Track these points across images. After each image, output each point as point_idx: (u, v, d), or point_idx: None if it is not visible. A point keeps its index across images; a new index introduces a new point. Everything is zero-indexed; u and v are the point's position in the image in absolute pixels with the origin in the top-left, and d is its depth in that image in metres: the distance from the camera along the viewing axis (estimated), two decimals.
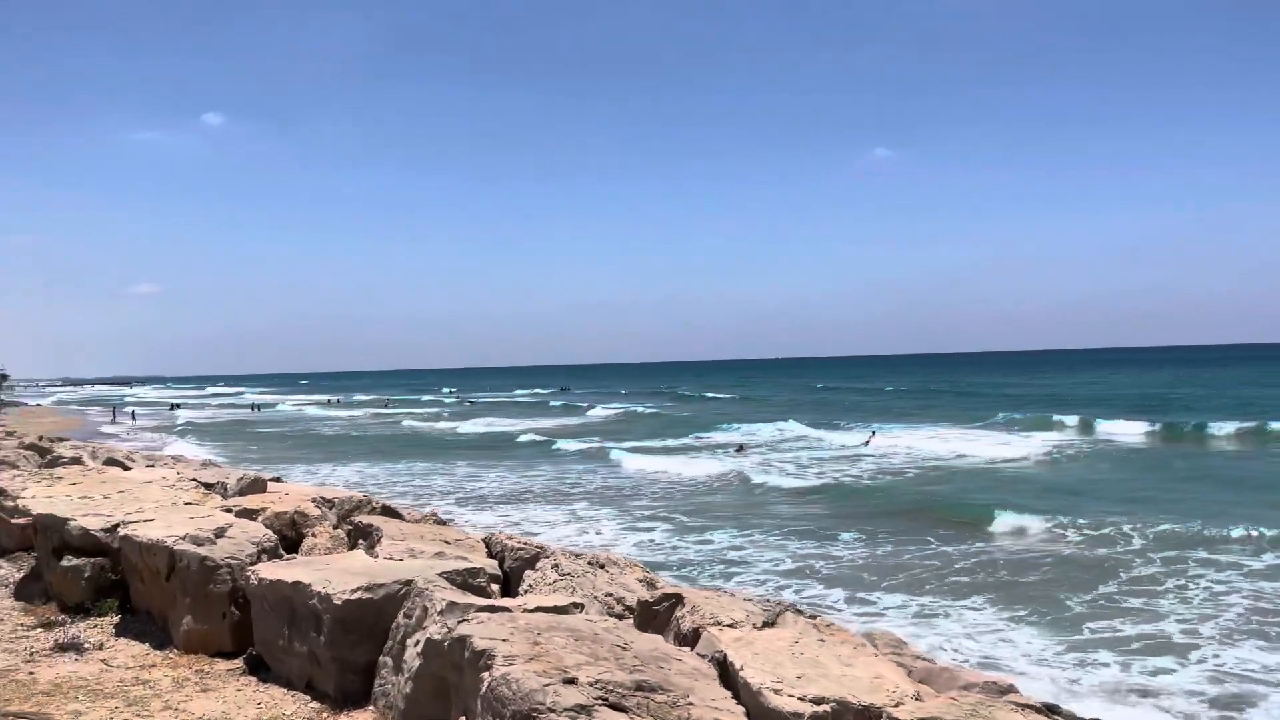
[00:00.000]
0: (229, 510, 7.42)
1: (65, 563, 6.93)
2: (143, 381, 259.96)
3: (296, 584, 5.45)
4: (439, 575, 5.43)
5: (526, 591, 6.06)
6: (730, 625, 4.75)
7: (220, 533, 6.55)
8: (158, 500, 7.64)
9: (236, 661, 5.97)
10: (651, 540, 20.24)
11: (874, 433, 43.35)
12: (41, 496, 7.58)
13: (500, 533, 7.16)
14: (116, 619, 6.75)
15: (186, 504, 7.64)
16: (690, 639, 4.80)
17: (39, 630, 6.54)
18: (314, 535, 7.21)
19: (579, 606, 4.86)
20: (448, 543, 6.94)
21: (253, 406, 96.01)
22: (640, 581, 6.01)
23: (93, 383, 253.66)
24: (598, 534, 21.00)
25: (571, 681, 3.78)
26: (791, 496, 25.81)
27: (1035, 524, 19.68)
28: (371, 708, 5.06)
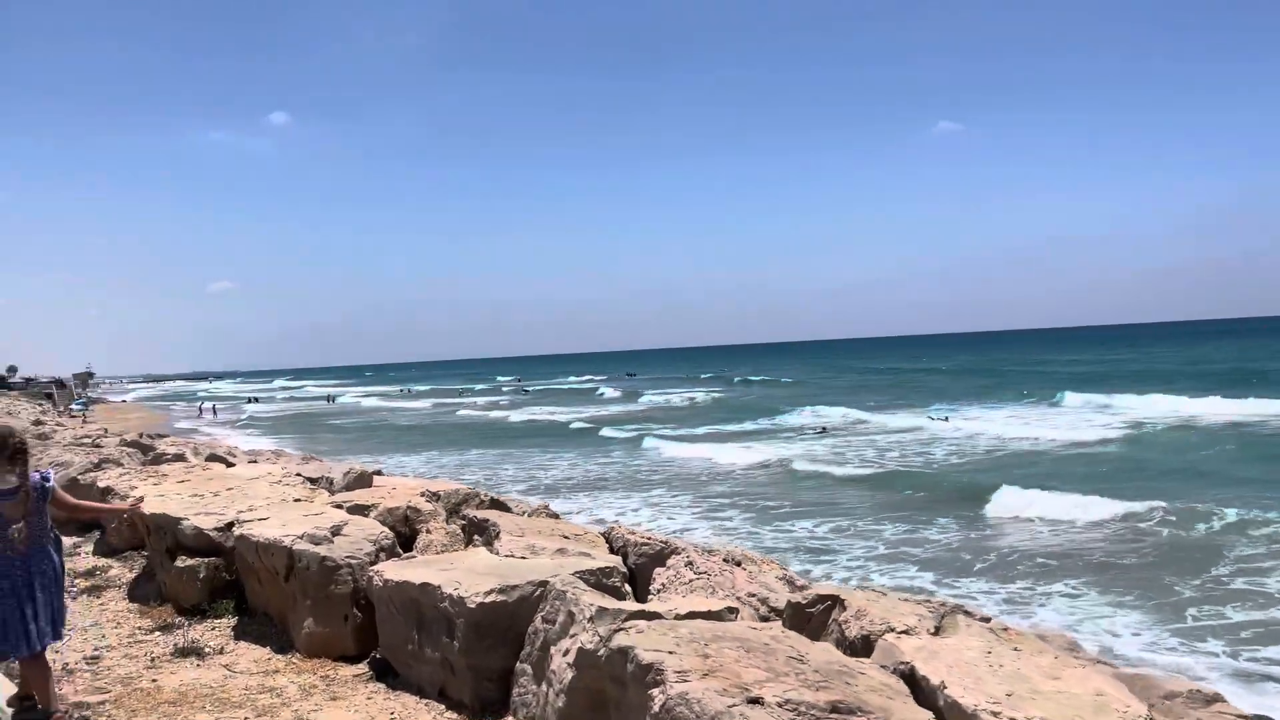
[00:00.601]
0: (339, 507, 7.20)
1: (180, 563, 6.78)
2: (219, 376, 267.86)
3: (425, 586, 5.17)
4: (573, 575, 5.09)
5: (660, 591, 5.70)
6: (905, 632, 4.31)
7: (336, 531, 6.31)
8: (267, 497, 7.46)
9: (361, 666, 5.72)
10: (729, 526, 19.88)
11: (947, 417, 42.38)
12: (152, 495, 7.45)
13: (619, 526, 6.81)
14: (234, 621, 6.57)
15: (296, 501, 7.45)
16: (860, 647, 4.38)
17: (157, 634, 6.40)
18: (428, 531, 6.95)
19: (734, 611, 4.47)
20: (566, 538, 6.61)
21: (328, 398, 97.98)
22: (780, 580, 5.60)
23: (172, 379, 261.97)
24: (669, 519, 20.68)
25: (756, 701, 3.39)
26: (874, 481, 25.16)
27: (1121, 507, 18.72)
28: (511, 718, 4.75)
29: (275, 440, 43.64)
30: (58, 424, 23.51)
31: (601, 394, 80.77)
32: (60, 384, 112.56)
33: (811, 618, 4.92)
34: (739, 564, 5.72)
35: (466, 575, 5.29)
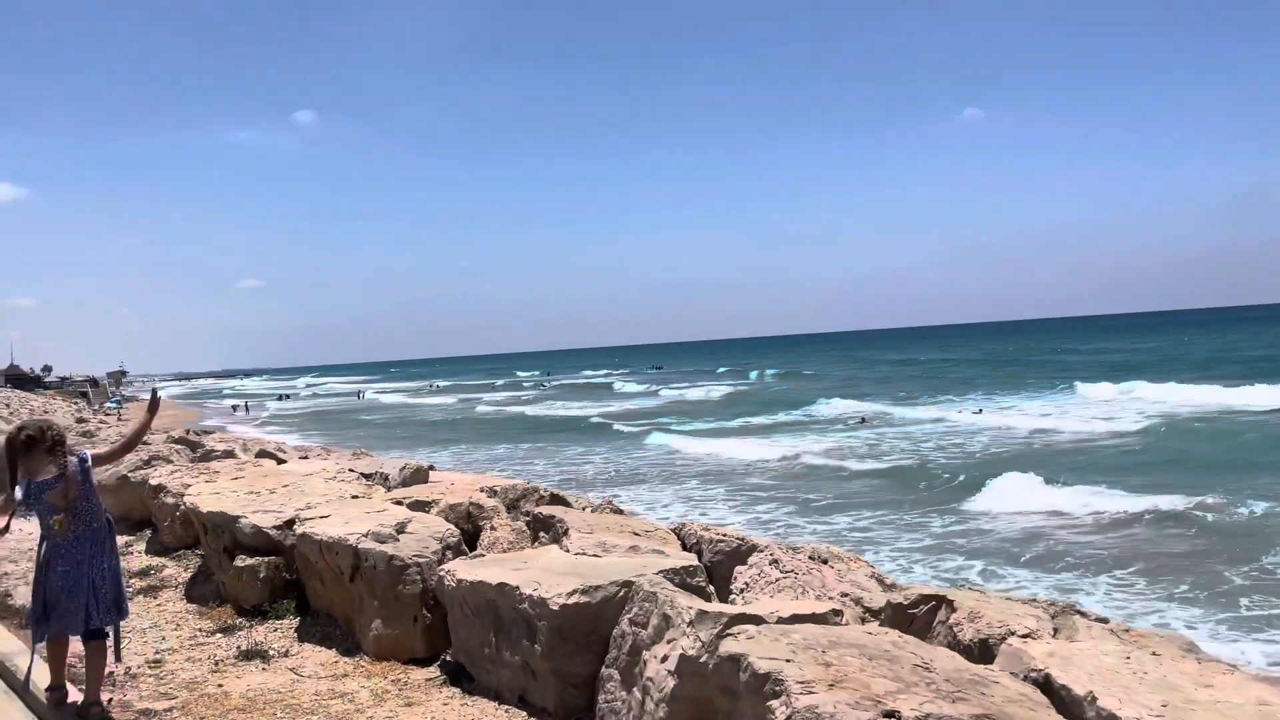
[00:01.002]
0: (399, 504, 6.99)
1: (239, 562, 6.60)
2: (248, 374, 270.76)
3: (502, 586, 4.93)
4: (657, 574, 4.84)
5: (743, 591, 5.44)
6: (1027, 636, 4.02)
7: (401, 529, 6.09)
8: (324, 494, 7.27)
9: (432, 669, 5.51)
10: (767, 519, 19.62)
11: (980, 409, 41.90)
12: (207, 493, 7.28)
13: (691, 522, 6.55)
14: (295, 622, 6.38)
15: (354, 498, 7.25)
16: (978, 653, 4.09)
17: (219, 636, 6.22)
18: (492, 528, 6.72)
19: (838, 614, 4.19)
20: (637, 534, 6.35)
21: (357, 394, 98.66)
22: (870, 578, 5.32)
23: (203, 376, 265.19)
24: (701, 514, 20.41)
25: (892, 715, 3.12)
26: (911, 473, 24.75)
27: (1163, 499, 18.20)
28: None
29: (301, 436, 43.84)
30: (101, 421, 23.57)
31: (624, 389, 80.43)
32: (94, 383, 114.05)
33: (914, 619, 4.64)
34: (825, 561, 5.44)
35: (543, 575, 5.05)
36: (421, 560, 5.76)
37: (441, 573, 5.46)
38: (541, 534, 6.59)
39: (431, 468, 9.48)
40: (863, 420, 39.22)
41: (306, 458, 10.04)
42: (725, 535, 6.19)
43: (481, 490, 7.70)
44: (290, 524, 6.73)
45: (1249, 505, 17.44)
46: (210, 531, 6.91)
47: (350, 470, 8.39)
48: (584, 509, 7.65)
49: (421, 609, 5.67)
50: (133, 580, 7.52)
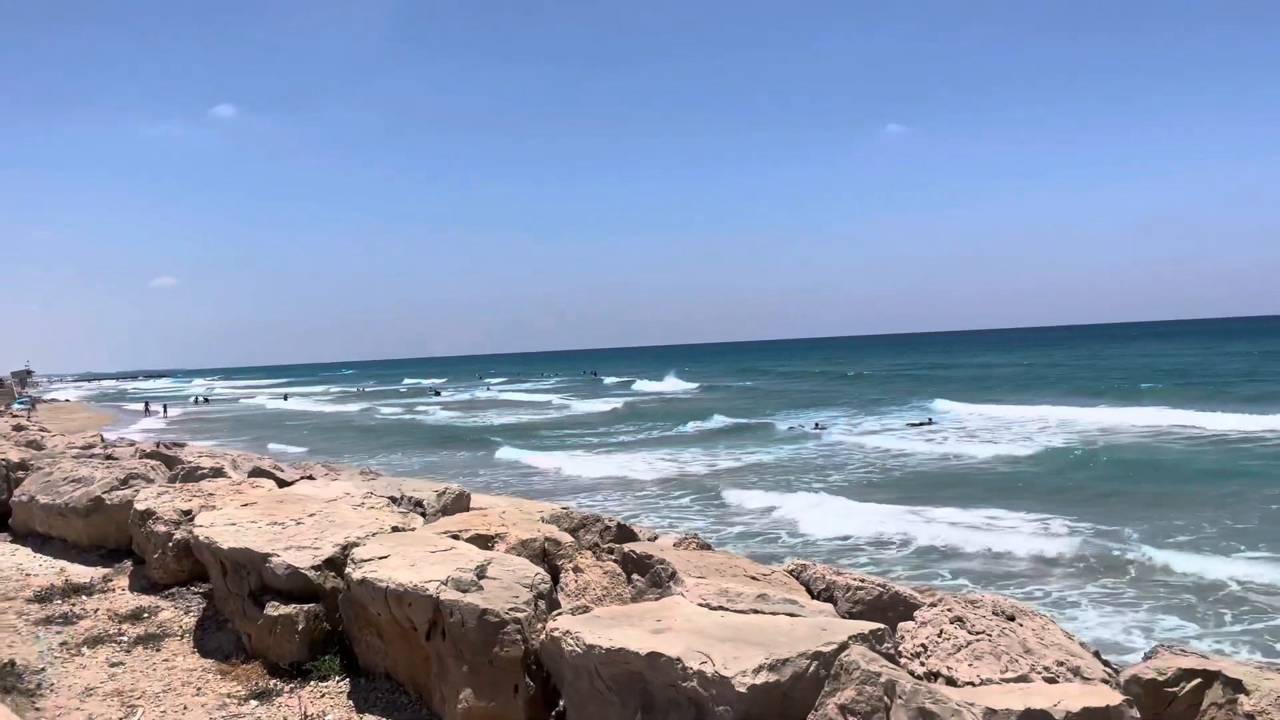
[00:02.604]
0: (455, 537, 5.93)
1: (272, 610, 5.47)
2: (160, 375, 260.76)
3: (655, 658, 3.97)
4: (855, 642, 3.94)
5: (919, 656, 4.56)
6: None
7: (481, 572, 5.06)
8: (360, 525, 6.17)
9: None
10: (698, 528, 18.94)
11: (930, 419, 42.56)
12: (221, 524, 6.11)
13: (813, 563, 5.65)
14: (345, 684, 5.30)
15: (395, 529, 6.17)
16: None
17: (254, 704, 5.09)
18: (577, 569, 5.73)
19: (1130, 705, 3.35)
20: (754, 578, 5.45)
21: (285, 396, 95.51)
22: (1073, 640, 4.51)
23: (113, 376, 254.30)
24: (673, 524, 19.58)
25: None
26: (982, 474, 24.81)
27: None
28: None
29: (223, 442, 41.78)
30: (43, 429, 21.42)
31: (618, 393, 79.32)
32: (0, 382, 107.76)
33: (1171, 700, 3.83)
34: (1012, 618, 4.61)
35: (698, 640, 4.10)
36: (519, 615, 4.75)
37: (553, 633, 4.46)
38: (635, 576, 5.62)
39: (447, 490, 8.41)
40: (929, 421, 40.29)
41: (311, 477, 8.78)
42: (865, 580, 5.32)
43: (543, 519, 6.70)
44: (332, 564, 5.64)
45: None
46: (231, 572, 5.76)
47: (371, 494, 7.28)
48: (680, 545, 6.68)
49: (523, 676, 4.65)
50: (123, 626, 6.30)
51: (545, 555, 5.90)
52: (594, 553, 5.96)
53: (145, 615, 6.51)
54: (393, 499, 7.30)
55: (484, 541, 5.98)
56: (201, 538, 5.96)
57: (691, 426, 44.09)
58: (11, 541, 8.81)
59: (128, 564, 7.69)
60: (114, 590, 7.16)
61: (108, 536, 8.00)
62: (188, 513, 7.18)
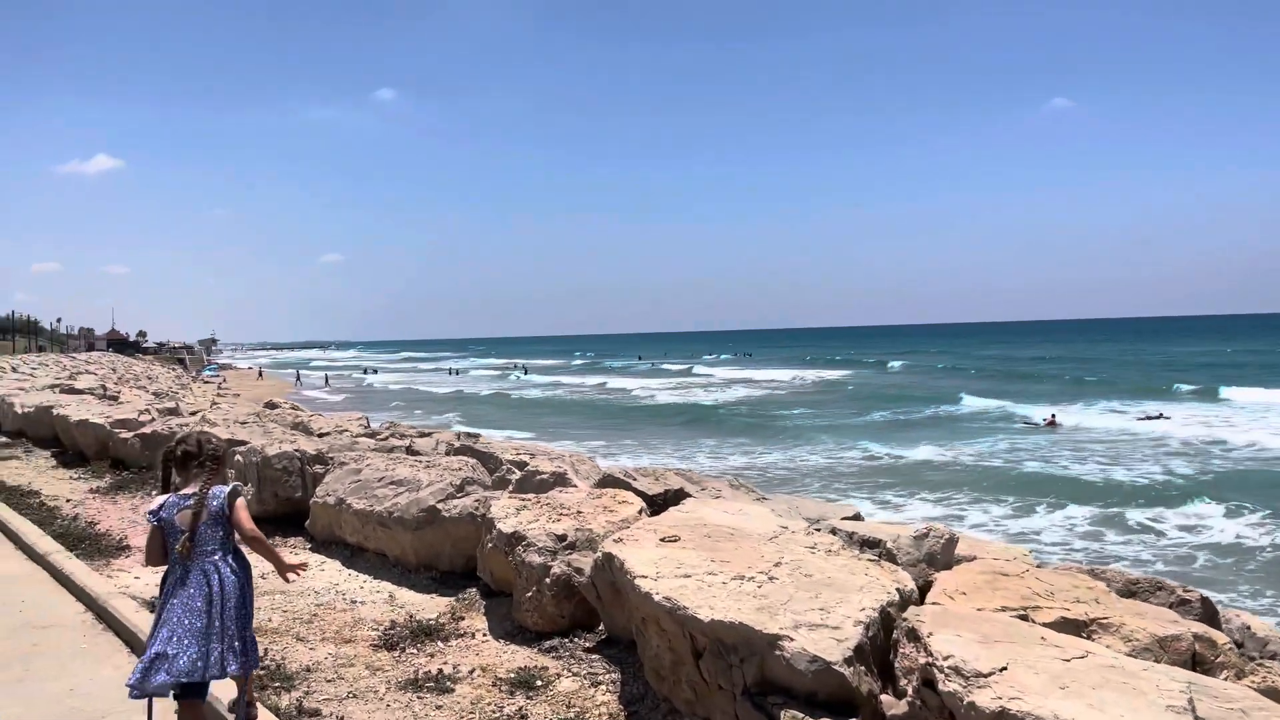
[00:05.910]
0: (1024, 618, 3.94)
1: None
2: (325, 346, 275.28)
3: None
4: None
5: None
6: None
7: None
8: (859, 585, 4.26)
9: None
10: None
11: (1160, 414, 38.59)
12: (670, 576, 4.31)
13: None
14: None
15: (861, 588, 4.23)
16: None
17: None
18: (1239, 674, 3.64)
19: None
20: None
21: (523, 369, 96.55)
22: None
23: (291, 347, 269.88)
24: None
25: None
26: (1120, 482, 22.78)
27: None
28: None
29: (426, 422, 41.80)
30: (312, 415, 20.08)
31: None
32: (190, 350, 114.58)
33: None
34: None
35: None
36: None
37: None
38: None
39: (857, 515, 6.46)
40: (1051, 420, 36.41)
41: (683, 493, 6.74)
42: None
43: (1090, 574, 4.62)
44: (860, 654, 3.76)
45: None
46: (713, 654, 3.95)
47: (817, 528, 5.38)
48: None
49: None
50: (516, 699, 4.62)
51: (1195, 661, 3.82)
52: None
53: (538, 683, 4.82)
54: (834, 533, 5.38)
55: (1075, 629, 3.96)
56: (654, 595, 4.16)
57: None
58: (312, 549, 7.46)
59: (473, 594, 6.10)
60: (471, 634, 5.55)
61: (440, 556, 6.46)
62: (562, 537, 5.50)
